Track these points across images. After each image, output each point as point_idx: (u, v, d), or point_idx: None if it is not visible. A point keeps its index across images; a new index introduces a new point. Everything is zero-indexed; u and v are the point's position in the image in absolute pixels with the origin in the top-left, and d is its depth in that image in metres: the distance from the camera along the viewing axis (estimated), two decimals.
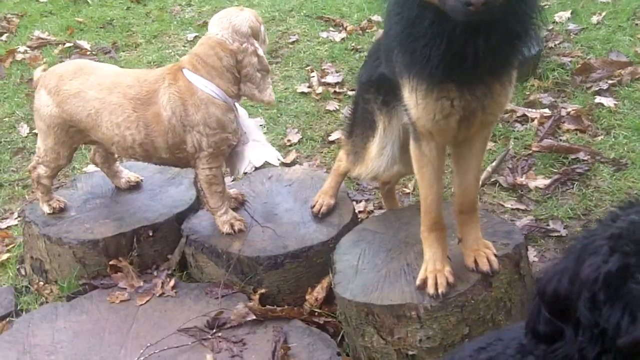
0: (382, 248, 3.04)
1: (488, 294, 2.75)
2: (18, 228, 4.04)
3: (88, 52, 6.20)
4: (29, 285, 3.60)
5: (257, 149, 3.35)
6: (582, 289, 1.41)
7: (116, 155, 3.62)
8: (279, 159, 3.45)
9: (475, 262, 2.76)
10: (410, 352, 2.75)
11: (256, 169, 3.68)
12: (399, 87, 2.75)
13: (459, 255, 2.82)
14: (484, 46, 2.24)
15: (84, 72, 3.27)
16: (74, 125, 3.26)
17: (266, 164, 3.46)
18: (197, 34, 6.37)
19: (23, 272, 3.69)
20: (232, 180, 3.81)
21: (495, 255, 2.78)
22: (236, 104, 3.23)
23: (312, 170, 4.01)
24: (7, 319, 3.36)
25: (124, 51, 6.25)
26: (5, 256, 3.81)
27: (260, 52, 3.17)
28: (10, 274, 3.69)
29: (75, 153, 3.53)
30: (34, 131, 5.03)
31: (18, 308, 3.46)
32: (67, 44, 6.40)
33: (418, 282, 2.73)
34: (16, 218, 4.16)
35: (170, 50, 6.08)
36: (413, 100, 2.49)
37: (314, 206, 3.44)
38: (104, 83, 3.21)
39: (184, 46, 6.15)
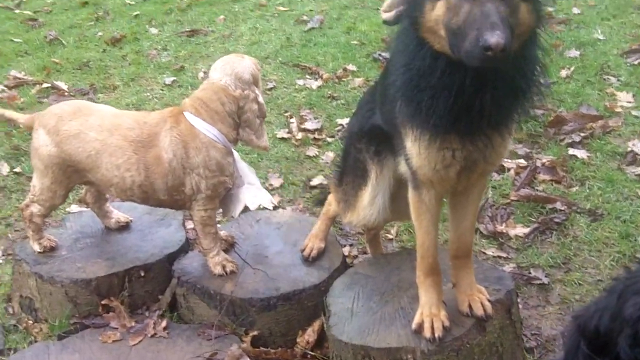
0: (375, 291, 3.10)
1: (482, 339, 2.82)
2: (2, 267, 4.01)
3: (66, 93, 6.21)
4: (16, 324, 3.57)
5: (252, 192, 3.41)
6: (624, 326, 1.47)
7: (108, 196, 3.64)
8: (272, 203, 3.50)
9: (470, 306, 2.84)
10: None
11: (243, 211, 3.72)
12: (393, 138, 2.86)
13: (453, 300, 2.89)
14: (490, 100, 2.34)
15: (83, 113, 3.31)
16: (73, 165, 3.29)
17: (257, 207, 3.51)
18: (174, 78, 6.43)
19: (10, 311, 3.66)
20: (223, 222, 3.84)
21: (489, 300, 2.86)
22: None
23: (299, 214, 4.07)
24: None
25: (101, 93, 6.27)
26: None
27: (261, 99, 3.25)
28: None
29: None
30: (14, 170, 5.03)
31: (6, 347, 3.43)
32: (45, 84, 6.40)
33: (414, 325, 2.79)
34: (0, 256, 4.13)
35: (148, 94, 6.12)
36: (415, 150, 2.57)
37: (304, 249, 3.49)
38: (104, 124, 3.25)
39: (161, 89, 6.20)
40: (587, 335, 1.58)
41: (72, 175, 3.34)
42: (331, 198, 3.48)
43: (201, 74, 6.43)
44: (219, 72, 3.24)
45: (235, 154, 3.37)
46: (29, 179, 4.78)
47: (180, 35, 7.56)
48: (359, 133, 3.16)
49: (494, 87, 2.33)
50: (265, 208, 3.55)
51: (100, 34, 7.77)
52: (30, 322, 3.53)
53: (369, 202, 3.11)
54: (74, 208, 4.41)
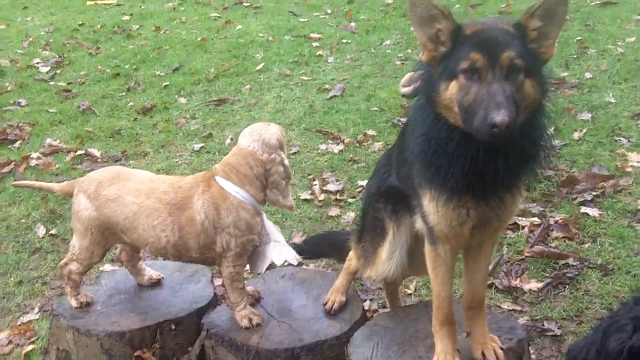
0: (393, 342, 3.28)
1: None
2: (39, 322, 4.24)
3: (99, 160, 6.51)
4: None
5: (278, 249, 3.62)
6: (608, 358, 1.67)
7: (141, 254, 3.87)
8: (297, 259, 3.71)
9: (483, 354, 3.01)
10: None
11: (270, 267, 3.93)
12: (409, 197, 3.09)
13: (468, 349, 3.06)
14: (502, 165, 2.57)
15: (121, 178, 3.56)
16: (110, 227, 3.52)
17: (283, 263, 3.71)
18: (202, 144, 6.72)
19: None
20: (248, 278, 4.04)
21: (502, 349, 3.03)
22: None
23: (321, 270, 4.28)
24: None
25: (133, 159, 6.56)
26: (29, 347, 4.00)
27: (286, 162, 3.49)
28: None
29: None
30: (50, 232, 5.29)
31: None
32: (79, 152, 6.72)
33: None
34: (37, 312, 4.37)
35: (177, 160, 6.40)
36: (433, 208, 2.79)
37: (326, 303, 3.67)
38: (141, 189, 3.50)
39: (190, 155, 6.47)
40: None
41: (109, 236, 3.58)
42: (352, 254, 3.69)
43: (228, 141, 6.71)
44: (248, 139, 3.49)
45: (262, 213, 3.61)
46: (64, 240, 5.09)
47: (208, 104, 7.88)
48: (377, 193, 3.39)
49: (506, 154, 2.57)
50: (290, 264, 3.75)
51: (131, 103, 8.11)
52: None
53: (387, 258, 3.32)
54: (108, 267, 4.64)
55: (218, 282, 4.29)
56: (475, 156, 2.56)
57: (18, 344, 4.11)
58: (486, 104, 2.39)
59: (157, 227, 3.43)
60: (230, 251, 3.44)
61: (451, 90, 2.53)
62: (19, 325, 4.28)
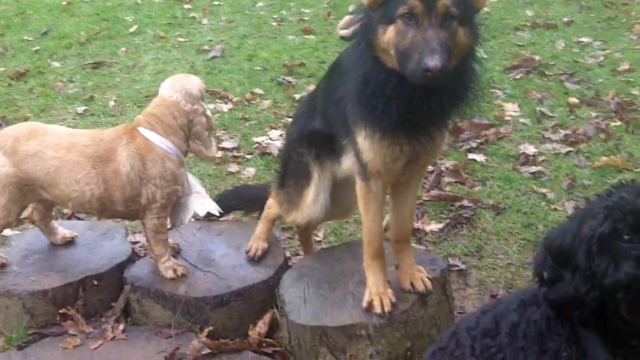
0: (323, 280, 3.42)
1: (424, 312, 3.18)
2: None
3: None
4: None
5: (200, 200, 3.67)
6: (582, 242, 1.87)
7: (67, 211, 3.81)
8: (218, 210, 3.77)
9: (412, 284, 3.20)
10: None
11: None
12: (334, 140, 3.23)
13: (396, 281, 3.24)
14: (435, 106, 2.74)
15: (39, 133, 3.50)
16: (30, 184, 3.46)
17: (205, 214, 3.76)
18: (85, 107, 6.59)
19: None
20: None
21: (428, 278, 3.23)
22: None
23: (237, 221, 4.35)
24: None
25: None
26: None
27: (208, 113, 3.53)
28: None
29: None
30: None
31: None
32: None
33: (365, 304, 3.12)
34: None
35: (61, 123, 6.21)
36: (368, 145, 2.93)
37: (249, 250, 3.76)
38: (61, 143, 3.45)
39: (73, 118, 6.33)
40: (552, 251, 1.98)
41: (28, 193, 3.51)
42: (270, 202, 3.78)
43: (112, 103, 6.62)
44: (170, 90, 3.51)
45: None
46: None
47: (84, 68, 7.70)
48: (299, 139, 3.49)
49: (439, 95, 2.73)
50: (212, 215, 3.81)
51: (2, 69, 7.82)
52: None
53: (313, 200, 3.44)
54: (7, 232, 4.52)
55: (132, 238, 4.28)
56: (410, 97, 2.72)
57: None
58: (421, 49, 2.53)
59: (81, 181, 3.41)
60: (156, 203, 3.46)
61: (389, 34, 2.66)
62: None
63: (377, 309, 3.09)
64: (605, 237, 1.84)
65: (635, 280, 1.78)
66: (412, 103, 2.73)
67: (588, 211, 1.94)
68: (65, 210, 4.61)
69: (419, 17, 2.58)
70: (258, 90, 6.77)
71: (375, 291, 3.13)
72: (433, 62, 2.47)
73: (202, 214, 3.69)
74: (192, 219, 3.88)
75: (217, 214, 3.80)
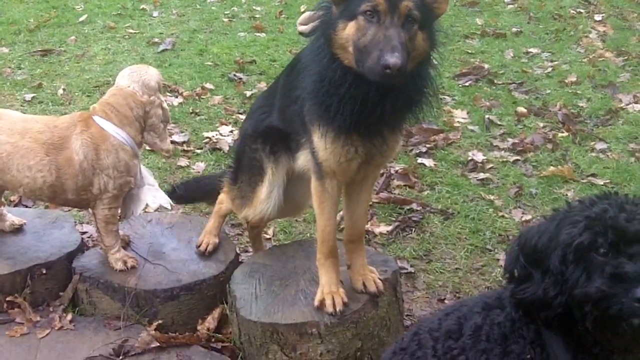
0: (275, 277, 3.42)
1: (375, 312, 3.21)
2: None
3: None
4: None
5: (152, 193, 3.64)
6: (558, 247, 1.90)
7: (15, 198, 3.74)
8: (170, 203, 3.74)
9: (364, 284, 3.22)
10: None
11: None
12: (289, 137, 3.25)
13: (348, 280, 3.26)
14: (389, 108, 2.77)
15: None
16: None
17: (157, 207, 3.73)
18: (34, 94, 6.46)
19: None
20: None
21: (380, 279, 3.25)
22: None
23: (189, 215, 4.32)
24: None
25: None
26: None
27: (165, 105, 3.49)
28: None
29: None
30: None
31: None
32: None
33: (317, 302, 3.14)
34: None
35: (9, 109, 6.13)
36: (322, 145, 2.95)
37: (199, 245, 3.74)
38: (15, 128, 3.39)
39: (21, 105, 6.19)
40: (525, 250, 2.01)
41: None
42: (222, 197, 3.76)
43: (60, 91, 6.51)
44: (127, 80, 3.46)
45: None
46: None
47: (33, 55, 7.55)
48: (254, 135, 3.48)
49: (393, 98, 2.76)
50: (164, 208, 3.78)
51: None
52: None
53: (266, 197, 3.43)
54: None
55: (81, 228, 4.23)
56: (365, 98, 2.74)
57: None
58: (382, 46, 2.57)
59: (33, 167, 3.35)
60: (107, 193, 3.42)
61: (349, 30, 2.69)
62: None
63: (329, 308, 3.10)
64: (582, 247, 1.87)
65: (604, 297, 1.81)
66: (367, 104, 2.76)
67: (567, 215, 1.97)
68: (13, 197, 4.53)
69: (382, 15, 2.62)
70: (209, 86, 6.73)
71: (328, 290, 3.14)
72: (393, 59, 2.51)
73: (153, 206, 3.67)
74: (143, 211, 3.84)
75: (169, 207, 3.77)
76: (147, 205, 3.65)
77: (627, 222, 1.87)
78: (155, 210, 3.98)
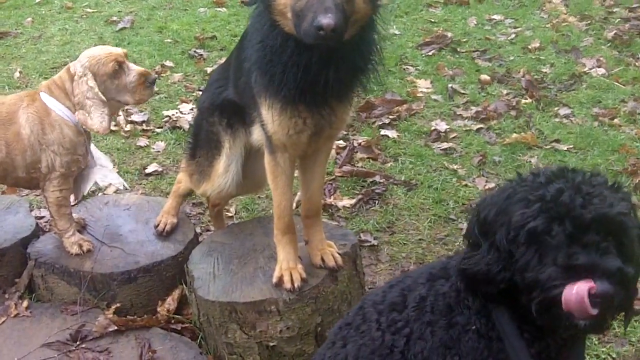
0: (233, 255, 3.37)
1: (335, 287, 3.17)
2: None
3: None
4: None
5: (103, 172, 3.56)
6: (508, 226, 1.84)
7: None
8: (124, 185, 3.67)
9: (322, 259, 3.17)
10: (271, 344, 3.09)
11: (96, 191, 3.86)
12: (245, 110, 3.17)
13: (307, 256, 3.22)
14: (333, 76, 2.71)
15: None
16: None
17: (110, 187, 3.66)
18: None
19: None
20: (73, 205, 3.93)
21: (338, 253, 3.21)
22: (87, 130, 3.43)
23: (146, 196, 4.25)
24: None
25: None
26: None
27: (91, 83, 3.29)
28: None
29: None
30: None
31: None
32: None
33: (275, 279, 3.09)
34: None
35: None
36: (270, 118, 2.88)
37: (157, 225, 3.68)
38: None
39: None
40: (479, 220, 1.96)
41: None
42: (181, 176, 3.70)
43: (17, 74, 6.39)
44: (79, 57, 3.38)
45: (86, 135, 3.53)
46: None
47: None
48: (211, 108, 3.41)
49: (337, 65, 2.70)
50: (118, 190, 3.71)
51: None
52: None
53: (224, 171, 3.37)
54: None
55: (37, 213, 4.15)
56: (308, 66, 2.68)
57: None
58: (315, 8, 2.49)
59: None
60: (55, 172, 3.34)
61: None
62: None
63: (287, 284, 3.06)
64: (535, 230, 1.81)
65: (555, 284, 1.76)
66: (310, 72, 2.69)
67: (518, 190, 1.91)
68: None
69: None
70: (168, 63, 6.63)
71: (286, 266, 3.10)
72: (326, 20, 2.43)
73: (102, 184, 3.60)
74: (102, 193, 3.76)
75: (122, 188, 3.69)
76: (97, 184, 3.57)
77: (583, 208, 1.80)
78: (109, 192, 3.89)
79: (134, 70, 3.34)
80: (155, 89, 3.41)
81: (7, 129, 3.30)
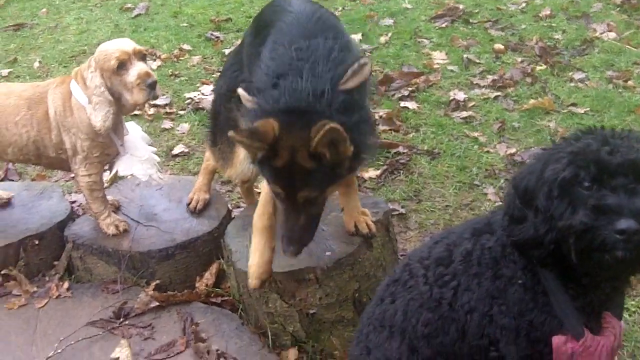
0: None
1: (370, 254, 3.23)
2: None
3: None
4: None
5: (130, 162, 3.59)
6: (544, 185, 1.91)
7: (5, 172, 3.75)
8: (153, 177, 3.69)
9: (356, 226, 3.24)
10: (311, 311, 3.16)
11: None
12: None
13: (341, 224, 3.28)
14: None
15: None
16: None
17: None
18: (10, 69, 6.44)
19: None
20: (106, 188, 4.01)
21: (372, 220, 3.28)
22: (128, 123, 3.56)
23: (177, 175, 4.33)
24: None
25: None
26: None
27: (97, 80, 3.30)
28: None
29: None
30: None
31: None
32: None
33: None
34: None
35: None
36: None
37: (190, 203, 3.76)
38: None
39: None
40: (518, 192, 2.02)
41: None
42: (208, 154, 3.76)
43: (36, 64, 6.47)
44: None
45: (133, 126, 3.62)
46: None
47: (5, 30, 7.50)
48: (227, 94, 3.40)
49: None
50: (152, 180, 3.74)
51: None
52: None
53: (245, 156, 3.40)
54: None
55: (70, 198, 4.23)
56: None
57: None
58: (285, 233, 2.66)
59: (19, 122, 3.41)
60: (78, 155, 3.42)
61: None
62: None
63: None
64: (566, 182, 1.86)
65: (587, 229, 1.81)
66: None
67: (553, 154, 1.97)
68: None
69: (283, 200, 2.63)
70: (186, 47, 6.70)
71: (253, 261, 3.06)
72: (289, 250, 2.66)
73: (123, 174, 3.67)
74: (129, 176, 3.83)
75: (145, 180, 3.72)
76: (117, 172, 3.65)
77: (609, 154, 1.86)
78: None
79: (135, 69, 3.27)
80: (158, 93, 3.36)
81: (38, 108, 3.42)
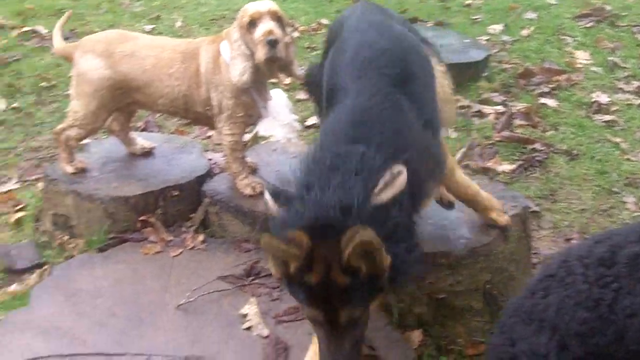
0: None
1: (505, 247, 3.16)
2: (20, 190, 4.18)
3: (46, 37, 6.27)
4: (48, 241, 3.75)
5: (271, 124, 3.63)
6: None
7: (142, 124, 3.84)
8: (292, 142, 3.74)
9: (492, 218, 3.18)
10: (440, 296, 3.12)
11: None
12: None
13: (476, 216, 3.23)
14: None
15: (129, 37, 3.61)
16: (124, 85, 3.53)
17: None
18: (153, 25, 6.60)
19: (42, 229, 3.82)
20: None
21: (505, 213, 3.21)
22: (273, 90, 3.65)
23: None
24: (44, 268, 3.52)
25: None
26: (17, 215, 3.94)
27: (235, 35, 3.40)
28: (27, 231, 3.83)
29: None
30: (12, 106, 5.13)
31: (42, 260, 3.63)
32: (24, 29, 6.46)
33: None
34: (15, 182, 4.30)
35: None
36: None
37: None
38: (154, 44, 3.57)
39: None
40: None
41: (119, 96, 3.56)
42: None
43: (179, 23, 6.61)
44: None
45: (277, 92, 3.70)
46: (28, 114, 4.96)
47: None
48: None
49: None
50: (289, 140, 3.78)
51: None
52: (66, 237, 3.70)
53: None
54: None
55: (209, 156, 4.31)
56: None
57: (2, 213, 4.03)
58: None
59: (173, 75, 3.49)
60: (223, 114, 3.48)
61: None
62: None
63: None
64: None
65: None
66: None
67: None
68: (140, 123, 4.64)
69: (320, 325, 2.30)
70: (324, 21, 6.71)
71: None
72: None
73: (264, 134, 3.70)
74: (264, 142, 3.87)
75: (282, 141, 3.75)
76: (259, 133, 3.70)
77: None
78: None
79: (262, 27, 3.28)
80: (281, 54, 3.29)
81: (191, 63, 3.50)
